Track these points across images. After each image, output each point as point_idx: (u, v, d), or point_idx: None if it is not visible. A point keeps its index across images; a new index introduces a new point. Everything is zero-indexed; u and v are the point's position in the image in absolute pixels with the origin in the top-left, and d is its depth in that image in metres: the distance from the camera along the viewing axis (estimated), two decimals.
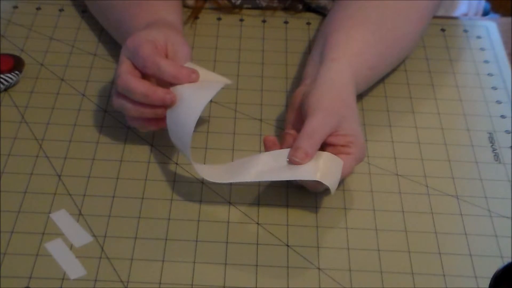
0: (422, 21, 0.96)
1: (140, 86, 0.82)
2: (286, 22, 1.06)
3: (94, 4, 1.01)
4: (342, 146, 0.80)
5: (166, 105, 0.82)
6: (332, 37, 0.89)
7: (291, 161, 0.78)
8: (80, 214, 0.80)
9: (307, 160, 0.78)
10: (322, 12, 1.06)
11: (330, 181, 0.78)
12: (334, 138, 0.80)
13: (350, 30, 0.90)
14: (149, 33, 0.85)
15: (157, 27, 0.87)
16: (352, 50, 0.87)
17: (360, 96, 0.94)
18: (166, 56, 0.85)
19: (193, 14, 1.04)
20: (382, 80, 0.97)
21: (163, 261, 0.76)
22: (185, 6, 1.05)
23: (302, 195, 0.83)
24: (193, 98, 0.81)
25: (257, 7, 1.07)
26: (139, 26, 0.89)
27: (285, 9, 1.07)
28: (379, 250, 0.78)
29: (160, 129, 0.86)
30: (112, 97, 0.85)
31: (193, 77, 0.82)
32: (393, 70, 0.98)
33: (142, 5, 0.92)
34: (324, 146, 0.80)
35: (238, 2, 1.06)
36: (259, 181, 0.84)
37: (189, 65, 0.84)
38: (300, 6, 1.07)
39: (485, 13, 1.18)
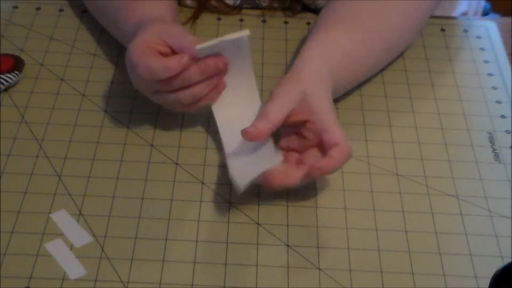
0: (417, 13, 0.95)
1: (157, 62, 0.80)
2: (286, 22, 1.06)
3: (92, 4, 1.01)
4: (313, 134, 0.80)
5: (185, 67, 0.81)
6: (310, 34, 0.90)
7: (244, 135, 0.79)
8: (80, 214, 0.80)
9: (261, 136, 0.79)
10: None
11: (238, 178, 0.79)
12: (293, 118, 0.81)
13: (328, 25, 0.90)
14: (138, 38, 0.84)
15: (144, 29, 0.86)
16: (327, 39, 0.88)
17: (360, 96, 0.95)
18: (170, 48, 0.84)
19: (192, 17, 1.04)
20: (382, 80, 0.97)
21: (163, 261, 0.76)
22: (185, 6, 1.05)
23: (302, 195, 0.83)
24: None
25: (256, 8, 1.07)
26: (128, 29, 0.90)
27: (285, 9, 1.07)
28: (379, 250, 0.78)
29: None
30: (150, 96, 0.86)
31: (184, 60, 0.81)
32: (393, 70, 0.98)
33: (130, 5, 0.92)
34: (293, 133, 0.82)
35: (238, 3, 1.06)
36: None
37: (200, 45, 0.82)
38: (299, 7, 1.07)
39: (485, 13, 1.18)
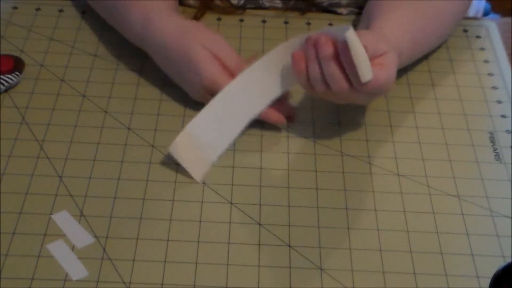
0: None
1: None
2: (286, 22, 1.06)
3: (98, 4, 1.00)
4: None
5: None
6: (375, 17, 0.92)
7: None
8: (82, 215, 0.80)
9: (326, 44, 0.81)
10: (328, 11, 1.06)
11: None
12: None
13: (393, 7, 0.93)
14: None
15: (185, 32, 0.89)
16: (395, 21, 0.91)
17: None
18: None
19: (195, 17, 1.04)
20: None
21: (165, 262, 0.76)
22: (188, 6, 1.05)
23: (304, 195, 0.83)
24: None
25: (260, 8, 1.07)
26: (134, 21, 0.93)
27: (288, 9, 1.07)
28: (381, 250, 0.78)
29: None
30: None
31: None
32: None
33: None
34: None
35: (242, 2, 1.06)
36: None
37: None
38: (304, 6, 1.06)
39: (485, 13, 1.18)
